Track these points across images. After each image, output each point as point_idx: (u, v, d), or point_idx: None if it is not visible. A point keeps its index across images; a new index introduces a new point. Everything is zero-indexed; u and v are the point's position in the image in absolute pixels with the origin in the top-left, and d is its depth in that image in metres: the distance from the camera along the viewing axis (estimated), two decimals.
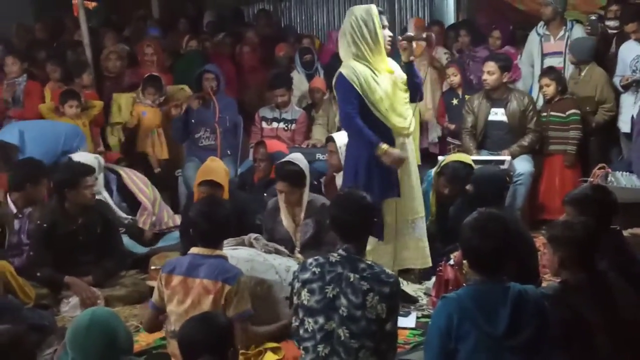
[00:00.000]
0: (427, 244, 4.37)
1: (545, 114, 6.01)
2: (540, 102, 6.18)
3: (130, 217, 5.57)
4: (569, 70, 6.38)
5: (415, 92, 4.26)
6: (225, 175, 4.77)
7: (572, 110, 5.95)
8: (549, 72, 6.11)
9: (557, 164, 5.99)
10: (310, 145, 6.41)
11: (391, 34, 4.20)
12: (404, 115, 4.18)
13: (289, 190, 4.60)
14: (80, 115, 6.17)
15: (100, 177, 5.52)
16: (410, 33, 4.55)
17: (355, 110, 4.07)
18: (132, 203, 5.68)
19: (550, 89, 5.96)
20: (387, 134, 4.13)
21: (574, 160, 5.93)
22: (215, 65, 6.76)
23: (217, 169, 4.76)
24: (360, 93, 4.05)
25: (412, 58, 4.24)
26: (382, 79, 4.11)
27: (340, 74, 4.10)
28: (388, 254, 4.23)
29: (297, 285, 3.09)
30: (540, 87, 6.07)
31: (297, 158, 4.72)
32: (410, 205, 4.28)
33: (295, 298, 3.10)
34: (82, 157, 5.43)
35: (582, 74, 6.06)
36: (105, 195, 5.51)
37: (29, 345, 3.47)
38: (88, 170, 4.81)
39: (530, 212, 5.93)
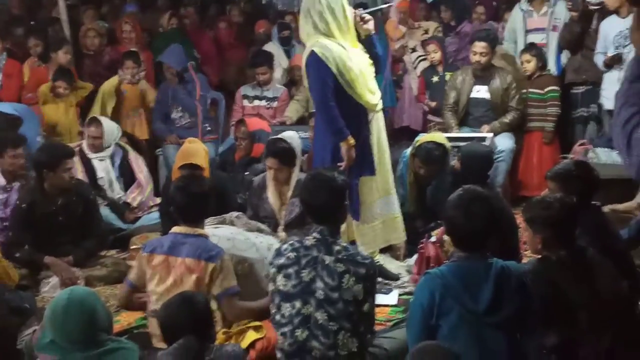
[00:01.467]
0: (401, 218, 4.35)
1: (524, 90, 6.01)
2: None
3: (122, 193, 5.57)
4: (552, 46, 6.39)
5: (376, 64, 4.18)
6: (205, 156, 4.73)
7: (551, 87, 5.97)
8: (530, 48, 6.13)
9: (535, 141, 6.02)
10: (280, 122, 6.35)
11: (354, 11, 4.14)
12: (373, 91, 4.12)
13: (278, 168, 4.56)
14: (69, 95, 6.13)
15: (110, 149, 5.59)
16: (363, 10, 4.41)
17: (329, 92, 3.95)
18: (128, 181, 5.67)
19: (531, 65, 5.96)
20: (362, 111, 4.09)
21: (552, 137, 5.95)
22: (182, 45, 6.68)
23: (196, 150, 4.72)
24: (335, 72, 3.93)
25: (371, 31, 4.17)
26: (354, 56, 4.04)
27: (314, 52, 3.94)
28: (374, 231, 4.22)
29: (272, 271, 3.07)
30: (521, 63, 6.08)
31: (290, 136, 4.68)
32: (389, 180, 4.27)
33: (271, 284, 3.09)
34: (106, 122, 5.59)
35: None
36: (108, 163, 5.57)
37: (10, 328, 3.46)
38: (68, 152, 4.74)
39: (510, 189, 5.94)
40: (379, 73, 4.26)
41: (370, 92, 4.10)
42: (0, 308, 3.76)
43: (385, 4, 4.46)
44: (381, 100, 4.22)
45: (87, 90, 6.37)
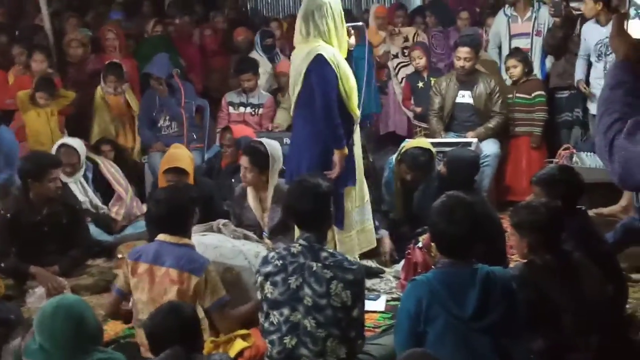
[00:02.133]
0: (372, 226, 4.40)
1: (511, 95, 6.05)
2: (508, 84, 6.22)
3: (104, 207, 5.49)
4: (536, 51, 6.43)
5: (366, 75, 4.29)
6: (190, 162, 4.72)
7: (538, 92, 6.01)
8: (515, 53, 6.16)
9: (523, 146, 6.04)
10: (273, 129, 6.37)
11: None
12: (357, 103, 4.15)
13: (247, 167, 4.53)
14: (49, 104, 6.08)
15: (82, 169, 5.44)
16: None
17: (335, 97, 3.96)
18: (105, 192, 5.59)
19: (517, 71, 6.00)
20: (350, 122, 4.12)
21: (540, 142, 5.98)
22: (167, 52, 6.67)
23: (181, 155, 4.71)
24: (338, 78, 3.95)
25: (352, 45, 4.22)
26: (346, 66, 4.06)
27: (321, 56, 3.92)
28: (351, 240, 4.24)
29: (260, 279, 3.07)
30: (507, 69, 6.11)
31: (269, 142, 4.65)
32: (363, 190, 4.30)
33: (258, 292, 3.08)
34: (72, 141, 5.41)
35: None
36: (82, 182, 5.44)
37: None
38: (54, 162, 4.70)
39: (497, 193, 5.97)
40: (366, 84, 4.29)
41: (355, 103, 4.12)
42: None
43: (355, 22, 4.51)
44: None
45: (69, 99, 6.29)
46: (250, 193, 4.65)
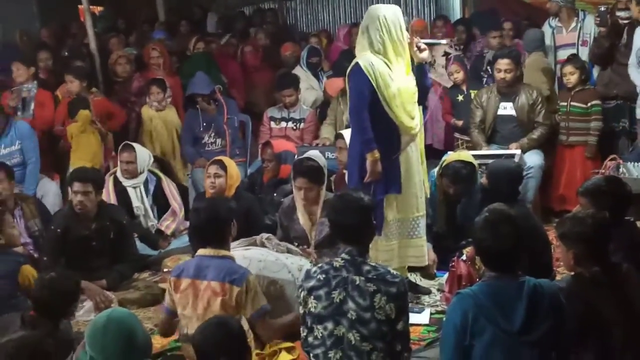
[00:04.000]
0: (425, 242, 4.35)
1: (565, 103, 5.97)
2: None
3: (155, 221, 5.66)
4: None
5: (422, 94, 4.25)
6: (235, 174, 4.92)
7: (594, 102, 5.91)
8: (573, 60, 6.07)
9: (578, 155, 5.95)
10: (320, 144, 6.41)
11: (409, 35, 4.21)
12: (412, 115, 4.17)
13: (308, 187, 4.57)
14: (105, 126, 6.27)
15: (143, 176, 5.68)
16: (424, 39, 4.47)
17: (365, 103, 4.05)
18: (161, 207, 5.75)
19: (574, 77, 5.91)
20: (395, 131, 4.13)
21: (594, 152, 5.88)
22: (209, 69, 6.76)
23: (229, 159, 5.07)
24: (375, 86, 4.03)
25: (425, 60, 4.26)
26: (397, 76, 4.10)
27: (357, 64, 4.06)
28: (390, 250, 4.22)
29: (302, 294, 3.07)
30: (564, 75, 6.00)
31: (316, 155, 4.71)
32: (413, 203, 4.27)
33: (301, 307, 3.09)
34: (138, 148, 5.70)
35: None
36: (142, 190, 5.64)
37: (48, 351, 3.50)
38: (77, 175, 4.79)
39: (549, 203, 5.95)
40: (421, 103, 4.29)
41: (407, 114, 4.14)
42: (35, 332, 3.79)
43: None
44: (419, 128, 4.24)
45: (119, 118, 6.45)
46: (299, 206, 4.67)
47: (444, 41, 4.65)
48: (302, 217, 4.66)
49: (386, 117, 4.09)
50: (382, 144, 4.08)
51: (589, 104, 5.90)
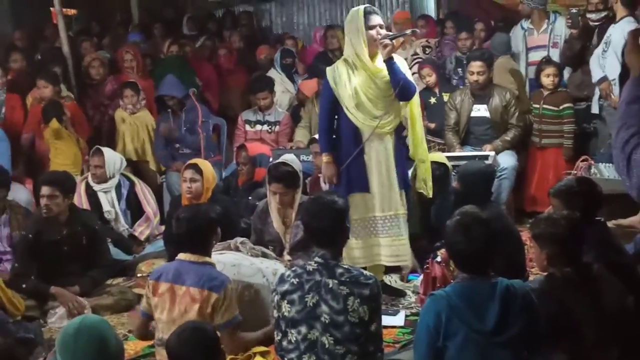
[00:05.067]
0: (406, 241, 4.34)
1: (537, 106, 6.02)
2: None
3: (127, 226, 5.60)
4: None
5: (400, 89, 4.18)
6: (209, 172, 4.92)
7: (567, 104, 5.97)
8: (551, 62, 6.12)
9: (551, 157, 6.00)
10: (294, 147, 6.40)
11: (383, 33, 4.19)
12: (373, 114, 4.19)
13: (283, 192, 4.58)
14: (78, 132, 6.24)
15: (114, 180, 5.64)
16: (388, 32, 4.50)
17: (326, 107, 4.28)
18: (134, 212, 5.71)
19: (558, 79, 5.98)
20: (356, 130, 4.22)
21: (571, 154, 5.91)
22: (183, 72, 6.71)
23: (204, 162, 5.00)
24: (333, 88, 4.19)
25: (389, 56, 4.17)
26: (359, 76, 4.17)
27: (326, 72, 4.29)
28: (357, 248, 4.24)
29: (276, 298, 3.07)
30: (546, 77, 5.99)
31: (291, 159, 4.71)
32: (384, 202, 4.27)
33: (275, 311, 3.08)
34: (108, 152, 5.64)
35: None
36: (113, 196, 5.59)
37: (19, 358, 3.46)
38: (43, 179, 4.76)
39: (521, 204, 5.99)
40: (406, 98, 4.26)
41: (366, 113, 4.18)
42: (5, 339, 3.75)
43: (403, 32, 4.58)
44: (390, 124, 4.24)
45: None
46: (273, 209, 4.66)
47: (408, 31, 4.61)
48: (276, 221, 4.65)
49: (347, 118, 4.19)
50: (345, 144, 4.23)
51: (561, 107, 5.96)
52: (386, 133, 4.24)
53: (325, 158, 4.27)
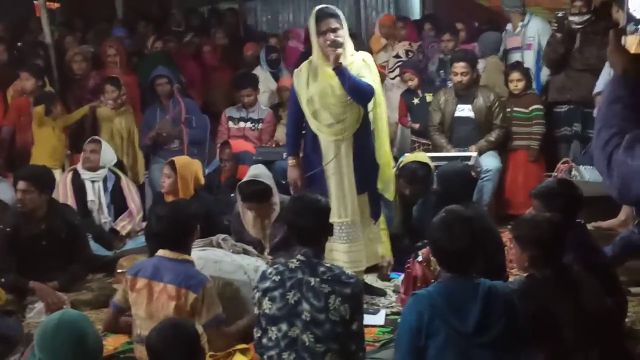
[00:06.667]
0: (363, 246, 4.31)
1: (508, 109, 6.06)
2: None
3: (110, 218, 5.60)
4: (528, 64, 6.44)
5: (355, 95, 4.08)
6: (186, 170, 4.96)
7: (535, 106, 6.02)
8: (518, 67, 6.17)
9: (521, 159, 6.04)
10: (275, 144, 6.39)
11: (334, 37, 4.03)
12: (327, 121, 4.18)
13: (257, 207, 4.60)
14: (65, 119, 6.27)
15: (103, 171, 5.65)
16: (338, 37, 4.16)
17: (292, 110, 4.33)
18: (119, 206, 5.69)
19: (522, 84, 6.01)
20: (314, 134, 4.25)
21: (537, 155, 5.98)
22: (167, 68, 6.69)
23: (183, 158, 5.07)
24: (295, 93, 4.23)
25: (340, 63, 4.02)
26: (317, 83, 4.16)
27: (293, 74, 4.36)
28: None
29: (257, 295, 3.06)
30: (511, 81, 6.07)
31: (259, 174, 4.63)
32: (340, 207, 4.23)
33: (256, 308, 3.07)
34: (105, 145, 5.71)
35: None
36: (100, 186, 5.60)
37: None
38: (21, 174, 4.73)
39: (496, 207, 5.97)
40: (361, 104, 4.18)
41: (321, 120, 4.19)
42: None
43: None
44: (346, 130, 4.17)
45: (81, 113, 6.37)
46: (249, 222, 4.68)
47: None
48: (252, 228, 4.67)
49: (307, 124, 4.25)
50: (307, 151, 4.30)
51: (530, 109, 6.01)
52: (343, 140, 4.20)
53: (290, 161, 4.33)
